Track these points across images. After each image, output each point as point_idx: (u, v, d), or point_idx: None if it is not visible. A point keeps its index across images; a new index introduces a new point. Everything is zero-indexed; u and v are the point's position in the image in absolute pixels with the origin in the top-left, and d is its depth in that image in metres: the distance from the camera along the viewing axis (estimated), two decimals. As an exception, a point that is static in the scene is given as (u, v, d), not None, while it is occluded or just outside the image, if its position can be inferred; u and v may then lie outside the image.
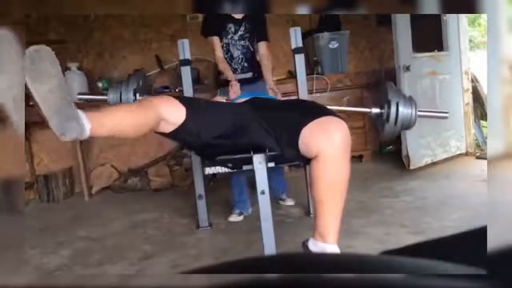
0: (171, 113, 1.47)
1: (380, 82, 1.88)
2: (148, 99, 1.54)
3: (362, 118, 3.82)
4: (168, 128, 1.48)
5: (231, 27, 2.59)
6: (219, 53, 2.56)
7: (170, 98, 1.55)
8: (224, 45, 2.60)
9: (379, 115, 1.82)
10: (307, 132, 1.46)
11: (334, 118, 1.49)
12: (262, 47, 2.62)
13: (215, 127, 1.57)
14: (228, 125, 1.59)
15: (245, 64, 2.64)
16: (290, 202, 2.83)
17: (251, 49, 2.63)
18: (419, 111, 1.76)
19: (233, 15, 2.58)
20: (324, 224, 1.46)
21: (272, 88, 2.43)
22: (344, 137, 1.43)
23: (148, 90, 2.03)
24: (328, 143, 1.41)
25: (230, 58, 2.62)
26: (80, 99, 2.24)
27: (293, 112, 1.61)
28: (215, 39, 2.58)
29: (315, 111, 1.56)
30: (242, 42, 2.62)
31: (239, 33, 2.60)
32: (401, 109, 1.70)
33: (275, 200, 2.79)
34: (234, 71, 2.60)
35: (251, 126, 1.59)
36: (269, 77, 2.53)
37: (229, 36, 2.60)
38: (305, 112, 1.56)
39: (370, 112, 1.86)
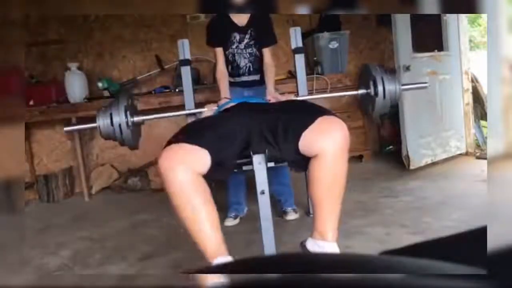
0: (199, 166, 1.46)
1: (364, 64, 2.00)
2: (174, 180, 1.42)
3: (361, 118, 3.82)
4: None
5: (236, 36, 2.52)
6: (221, 66, 2.51)
7: (185, 150, 1.46)
8: (230, 55, 2.53)
9: (366, 95, 1.88)
10: (308, 134, 1.48)
11: (334, 117, 1.51)
12: (266, 54, 2.55)
13: (231, 150, 1.58)
14: (239, 142, 1.60)
15: (252, 70, 2.58)
16: (292, 216, 2.63)
17: (259, 55, 2.56)
18: (402, 84, 1.87)
19: (237, 23, 2.51)
20: (324, 222, 1.47)
21: (273, 96, 2.40)
22: (344, 136, 1.45)
23: (135, 109, 1.97)
24: (329, 142, 1.43)
25: (236, 68, 2.56)
26: (67, 132, 2.18)
27: (293, 116, 1.60)
28: (219, 51, 2.52)
29: (314, 112, 1.56)
30: (249, 50, 2.54)
31: (245, 41, 2.53)
32: (386, 82, 1.79)
33: (278, 213, 2.64)
34: (242, 75, 2.58)
35: (255, 137, 1.60)
36: (271, 86, 2.49)
37: (234, 46, 2.53)
38: (305, 116, 1.55)
39: (357, 94, 1.91)
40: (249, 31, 2.53)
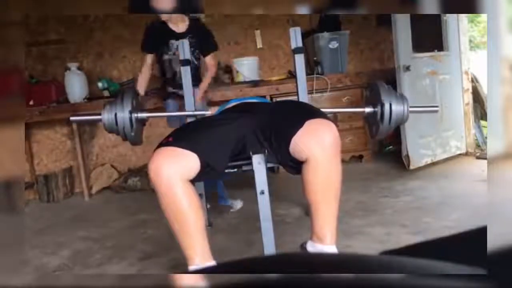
0: (187, 170, 1.47)
1: (373, 82, 1.91)
2: (162, 183, 1.43)
3: (362, 118, 3.81)
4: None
5: (173, 43, 2.50)
6: (146, 70, 2.56)
7: (174, 153, 1.47)
8: (166, 61, 2.52)
9: (372, 114, 1.84)
10: (296, 139, 1.47)
11: (323, 120, 1.49)
12: (208, 60, 2.54)
13: (223, 153, 1.58)
14: (233, 145, 1.60)
15: None
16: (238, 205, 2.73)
17: (196, 63, 2.55)
18: (411, 107, 1.80)
19: (175, 30, 2.50)
20: (321, 226, 1.47)
21: (199, 99, 2.34)
22: (334, 139, 1.43)
23: (141, 107, 1.99)
24: (318, 146, 1.42)
25: (173, 75, 2.54)
26: (73, 121, 2.23)
27: (283, 120, 1.60)
28: (149, 57, 2.56)
29: (303, 115, 1.54)
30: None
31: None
32: (394, 108, 1.73)
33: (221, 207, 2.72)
34: (179, 86, 2.56)
35: (250, 140, 1.61)
36: (202, 86, 2.44)
37: (171, 52, 2.52)
38: (294, 119, 1.53)
39: (364, 112, 1.88)
40: (187, 38, 2.52)
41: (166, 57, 2.53)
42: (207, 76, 2.51)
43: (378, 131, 1.81)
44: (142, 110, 1.95)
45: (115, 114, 1.78)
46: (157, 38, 2.52)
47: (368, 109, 1.85)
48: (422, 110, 2.00)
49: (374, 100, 1.83)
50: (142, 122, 1.95)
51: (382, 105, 1.75)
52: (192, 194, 1.46)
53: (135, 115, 1.82)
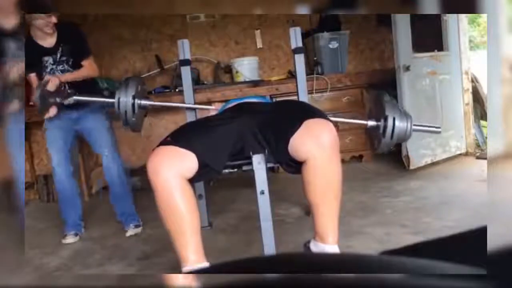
0: (185, 169, 1.48)
1: (377, 94, 1.90)
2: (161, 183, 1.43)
3: (362, 119, 3.81)
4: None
5: (48, 59, 2.48)
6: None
7: (172, 153, 1.48)
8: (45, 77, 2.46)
9: (375, 127, 1.83)
10: (295, 140, 1.47)
11: (321, 120, 1.49)
12: (85, 64, 2.53)
13: (223, 154, 1.59)
14: (232, 145, 1.61)
15: (68, 90, 2.44)
16: (132, 232, 2.65)
17: (71, 70, 2.51)
18: (414, 125, 1.79)
19: (45, 45, 2.47)
20: (322, 225, 1.47)
21: (54, 79, 2.26)
22: (332, 138, 1.43)
23: (145, 95, 2.00)
24: (316, 146, 1.42)
25: None
26: (76, 100, 2.22)
27: (282, 120, 1.60)
28: (32, 77, 2.49)
29: (301, 115, 1.54)
30: (60, 67, 2.51)
31: (57, 59, 2.51)
32: (397, 124, 1.72)
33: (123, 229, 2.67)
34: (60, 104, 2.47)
35: (249, 140, 1.61)
36: (69, 74, 2.42)
37: (48, 69, 2.48)
38: (292, 120, 1.53)
39: (367, 125, 1.87)
40: (59, 49, 2.51)
41: (44, 75, 2.46)
42: (80, 71, 2.48)
43: (380, 146, 1.81)
44: (146, 98, 1.96)
45: (119, 99, 1.79)
46: (30, 58, 2.42)
47: (371, 122, 1.84)
48: (425, 129, 2.00)
49: (378, 113, 1.82)
50: (144, 109, 1.97)
51: (385, 119, 1.74)
52: (189, 194, 1.46)
53: (138, 101, 1.84)
